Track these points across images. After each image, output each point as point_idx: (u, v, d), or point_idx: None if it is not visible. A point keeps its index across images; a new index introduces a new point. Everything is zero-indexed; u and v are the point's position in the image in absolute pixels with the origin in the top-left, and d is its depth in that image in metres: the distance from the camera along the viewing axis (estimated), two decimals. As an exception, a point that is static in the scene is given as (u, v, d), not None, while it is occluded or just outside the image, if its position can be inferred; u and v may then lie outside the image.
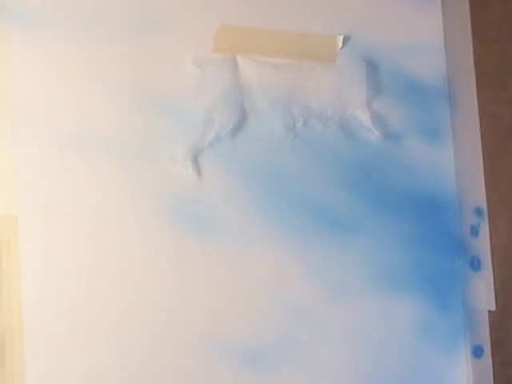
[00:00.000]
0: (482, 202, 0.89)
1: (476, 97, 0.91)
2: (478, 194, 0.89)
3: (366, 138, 0.87)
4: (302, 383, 0.82)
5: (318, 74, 0.85)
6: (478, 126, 0.91)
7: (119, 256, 0.79)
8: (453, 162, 0.89)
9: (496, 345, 0.86)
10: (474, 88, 0.91)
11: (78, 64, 0.79)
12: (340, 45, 0.86)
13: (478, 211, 0.89)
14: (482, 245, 0.85)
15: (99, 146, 0.79)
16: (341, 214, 0.85)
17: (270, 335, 0.81)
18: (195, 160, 0.82)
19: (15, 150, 0.77)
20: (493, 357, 0.86)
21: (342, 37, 0.86)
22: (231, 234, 0.82)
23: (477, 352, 0.86)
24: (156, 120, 0.81)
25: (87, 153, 0.79)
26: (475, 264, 0.85)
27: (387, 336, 0.84)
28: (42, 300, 0.76)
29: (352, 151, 0.86)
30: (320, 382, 0.83)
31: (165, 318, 0.79)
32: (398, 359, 0.84)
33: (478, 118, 0.91)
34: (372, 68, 0.88)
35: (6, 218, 0.76)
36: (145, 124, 0.80)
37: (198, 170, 0.82)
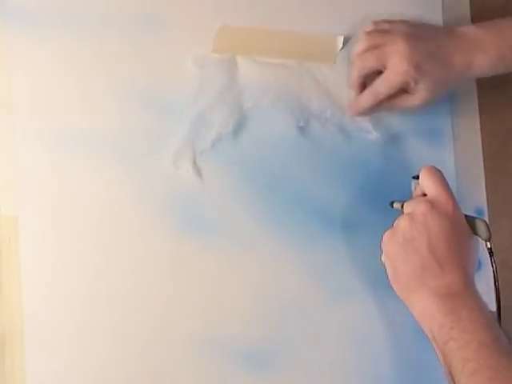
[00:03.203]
0: (483, 203, 0.89)
1: (476, 98, 0.92)
2: (478, 194, 0.89)
3: (365, 139, 0.87)
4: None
5: (318, 74, 0.86)
6: (479, 127, 0.91)
7: (120, 256, 0.79)
8: (453, 163, 0.89)
9: (497, 346, 0.86)
10: (475, 89, 0.92)
11: (78, 64, 0.79)
12: (340, 45, 0.86)
13: (479, 212, 0.89)
14: (482, 246, 0.84)
15: (99, 146, 0.79)
16: (341, 214, 0.85)
17: (269, 335, 0.81)
18: (196, 161, 0.82)
19: (15, 150, 0.77)
20: (493, 358, 0.86)
21: (342, 37, 0.86)
22: (231, 234, 0.82)
23: (477, 353, 0.85)
24: (156, 120, 0.81)
25: (87, 152, 0.79)
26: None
27: (387, 336, 0.84)
28: (43, 300, 0.76)
29: (352, 152, 0.86)
30: (320, 382, 0.82)
31: (167, 317, 0.79)
32: (398, 359, 0.84)
33: (478, 118, 0.91)
34: (372, 68, 0.88)
35: (7, 218, 0.76)
36: (145, 124, 0.81)
37: (199, 171, 0.82)
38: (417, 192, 0.79)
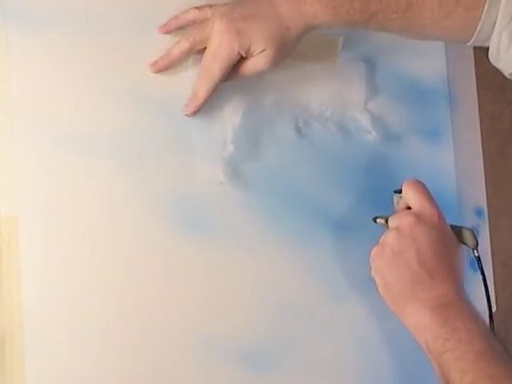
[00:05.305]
0: (483, 203, 0.89)
1: (476, 98, 0.92)
2: (478, 194, 0.89)
3: (365, 138, 0.87)
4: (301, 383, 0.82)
5: (318, 74, 0.86)
6: (479, 127, 0.91)
7: (120, 256, 0.79)
8: (453, 163, 0.89)
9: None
10: (475, 89, 0.92)
11: (78, 64, 0.79)
12: (340, 46, 0.86)
13: (479, 212, 0.89)
14: (483, 245, 0.85)
15: (99, 147, 0.79)
16: (341, 214, 0.85)
17: (268, 335, 0.81)
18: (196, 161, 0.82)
19: (15, 150, 0.77)
20: (493, 358, 0.86)
21: (342, 38, 0.86)
22: (230, 234, 0.82)
23: (477, 353, 0.85)
24: (156, 120, 0.81)
25: (87, 153, 0.78)
26: (475, 265, 0.84)
27: (387, 336, 0.84)
28: (42, 300, 0.76)
29: (352, 152, 0.87)
30: (320, 382, 0.83)
31: (166, 317, 0.79)
32: (398, 359, 0.84)
33: (478, 118, 0.91)
34: (371, 69, 0.88)
35: (7, 218, 0.76)
36: (145, 124, 0.80)
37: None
38: (400, 206, 0.79)
